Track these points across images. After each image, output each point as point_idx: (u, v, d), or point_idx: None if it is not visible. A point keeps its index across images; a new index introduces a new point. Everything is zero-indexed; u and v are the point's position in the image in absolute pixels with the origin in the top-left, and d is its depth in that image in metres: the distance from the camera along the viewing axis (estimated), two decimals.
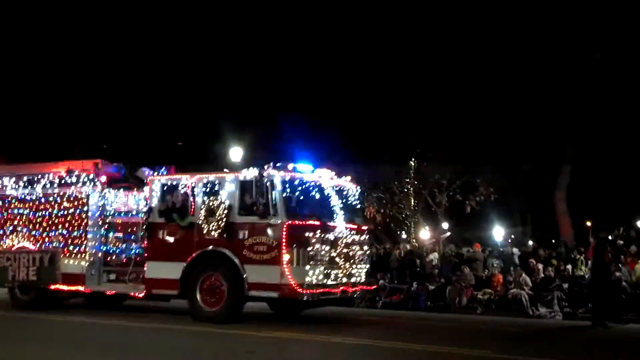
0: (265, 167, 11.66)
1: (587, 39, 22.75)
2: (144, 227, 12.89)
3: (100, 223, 13.77)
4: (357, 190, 13.07)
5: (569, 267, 17.01)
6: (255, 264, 11.51)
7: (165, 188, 12.81)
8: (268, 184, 11.56)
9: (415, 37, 24.70)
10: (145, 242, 12.87)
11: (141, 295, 12.81)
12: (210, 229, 11.95)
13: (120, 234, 13.74)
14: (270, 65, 28.53)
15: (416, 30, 24.70)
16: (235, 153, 25.34)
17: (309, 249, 11.44)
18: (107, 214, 13.78)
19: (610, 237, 16.50)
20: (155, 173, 13.22)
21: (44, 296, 14.13)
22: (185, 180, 12.58)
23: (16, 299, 14.41)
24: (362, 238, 12.80)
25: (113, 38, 29.17)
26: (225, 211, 11.85)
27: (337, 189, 12.55)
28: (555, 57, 23.22)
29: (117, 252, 13.69)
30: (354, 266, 12.44)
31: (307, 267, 11.37)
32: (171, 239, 12.47)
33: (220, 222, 11.85)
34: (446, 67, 24.41)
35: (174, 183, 12.76)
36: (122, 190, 13.84)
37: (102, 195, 13.79)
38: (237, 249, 11.69)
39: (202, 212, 12.12)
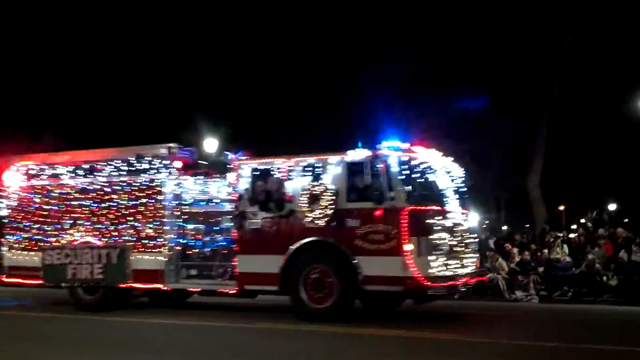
0: (379, 146, 10.45)
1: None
2: (233, 217, 11.64)
3: (177, 213, 12.50)
4: (463, 172, 11.91)
5: (545, 251, 17.00)
6: (370, 255, 10.34)
7: (256, 173, 11.58)
8: (382, 165, 10.37)
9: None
10: (235, 233, 11.63)
11: (232, 291, 11.62)
12: (314, 217, 10.75)
13: (200, 225, 12.45)
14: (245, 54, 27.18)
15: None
16: (210, 144, 24.48)
17: (432, 237, 10.29)
18: (185, 203, 12.50)
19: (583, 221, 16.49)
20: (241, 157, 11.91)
21: (112, 296, 12.88)
22: (281, 164, 11.36)
23: (79, 299, 13.13)
24: (472, 224, 11.66)
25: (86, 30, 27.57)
26: (332, 197, 10.66)
27: (448, 170, 11.39)
28: (528, 35, 22.83)
29: (197, 245, 12.41)
30: (467, 255, 11.33)
31: (431, 257, 10.22)
32: (267, 230, 11.26)
33: (326, 209, 10.66)
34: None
35: (267, 168, 11.54)
36: (200, 176, 12.51)
37: (178, 182, 12.51)
38: (347, 239, 10.52)
39: (303, 198, 10.92)
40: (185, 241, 12.48)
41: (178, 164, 12.57)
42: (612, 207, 38.90)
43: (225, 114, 26.18)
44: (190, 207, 12.49)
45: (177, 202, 12.49)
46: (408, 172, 10.46)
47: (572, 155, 28.89)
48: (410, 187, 10.51)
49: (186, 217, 12.48)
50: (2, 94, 26.91)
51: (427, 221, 10.29)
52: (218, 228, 12.21)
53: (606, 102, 23.87)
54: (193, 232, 12.50)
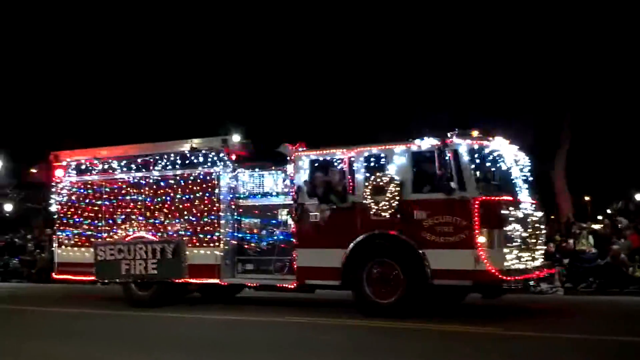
0: (449, 134, 10.02)
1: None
2: (291, 210, 11.30)
3: (233, 207, 12.21)
4: (529, 161, 11.41)
5: (570, 242, 16.47)
6: (439, 248, 9.91)
7: (315, 165, 11.23)
8: (452, 154, 9.94)
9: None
10: (294, 226, 11.30)
11: (292, 286, 11.28)
12: (378, 209, 10.36)
13: (256, 219, 12.15)
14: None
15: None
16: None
17: (506, 228, 9.82)
18: (241, 196, 12.20)
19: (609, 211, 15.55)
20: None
21: (166, 291, 12.63)
22: (341, 155, 10.99)
23: (133, 295, 12.91)
24: (540, 215, 11.16)
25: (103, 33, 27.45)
26: (397, 188, 10.25)
27: (516, 158, 10.91)
28: (554, 36, 22.10)
29: (253, 239, 12.10)
30: (537, 247, 10.84)
31: (505, 249, 9.76)
32: (328, 223, 10.90)
33: (391, 201, 10.26)
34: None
35: (327, 159, 11.19)
36: (256, 169, 12.20)
37: (234, 175, 12.23)
38: (414, 231, 10.11)
39: (366, 190, 10.53)
40: (241, 235, 12.18)
41: (233, 156, 12.28)
42: (639, 197, 37.90)
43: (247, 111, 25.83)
44: (245, 201, 12.19)
45: (232, 196, 12.21)
46: (479, 161, 10.02)
47: (598, 145, 28.07)
48: (481, 177, 10.05)
49: (242, 210, 12.19)
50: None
51: (500, 212, 9.82)
52: (275, 222, 11.89)
53: (633, 92, 22.93)
54: (249, 226, 12.21)
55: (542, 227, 11.19)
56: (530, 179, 11.20)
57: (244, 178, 12.20)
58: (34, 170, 31.01)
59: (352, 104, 24.77)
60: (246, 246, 12.11)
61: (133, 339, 9.43)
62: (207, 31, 26.24)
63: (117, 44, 27.17)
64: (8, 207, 30.20)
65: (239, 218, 12.23)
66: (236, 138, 12.43)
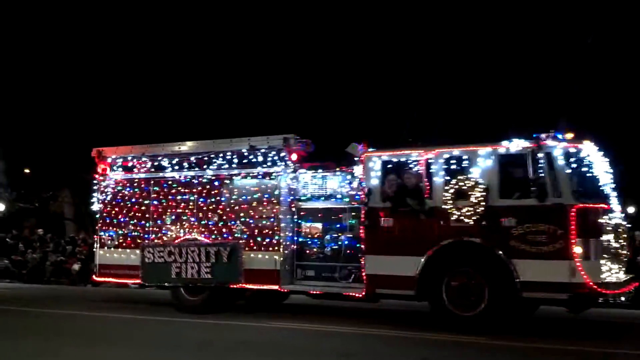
0: (543, 136, 9.36)
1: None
2: (362, 214, 10.64)
3: (293, 209, 11.54)
4: (613, 167, 10.75)
5: None
6: (530, 258, 9.24)
7: (388, 166, 10.58)
8: (546, 157, 9.29)
9: None
10: (363, 232, 10.63)
11: (360, 295, 10.61)
12: (461, 215, 9.70)
13: (317, 223, 11.47)
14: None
15: None
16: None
17: (602, 238, 9.16)
18: (302, 198, 11.54)
19: None
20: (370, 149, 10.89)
21: (218, 297, 11.96)
22: (418, 156, 10.33)
23: (182, 300, 12.24)
24: (626, 224, 10.51)
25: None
26: (482, 193, 9.59)
27: (605, 163, 10.25)
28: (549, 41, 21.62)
29: (314, 244, 11.43)
30: (624, 258, 10.18)
31: (602, 261, 9.10)
32: (402, 228, 10.24)
33: (476, 206, 9.60)
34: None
35: (401, 160, 10.53)
36: (318, 170, 11.53)
37: (295, 176, 11.57)
38: (500, 240, 9.45)
39: (446, 194, 9.87)
40: (301, 240, 11.50)
41: (294, 156, 11.62)
42: None
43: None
44: (306, 203, 11.52)
45: (292, 198, 11.54)
46: (574, 165, 9.35)
47: None
48: (575, 182, 9.38)
49: (303, 213, 11.51)
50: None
51: (598, 220, 9.17)
52: (339, 226, 11.19)
53: None
54: (309, 230, 11.52)
55: (627, 236, 10.53)
56: (615, 185, 10.54)
57: (305, 179, 11.53)
58: (27, 170, 30.48)
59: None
60: (308, 251, 11.40)
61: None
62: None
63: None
64: (0, 206, 29.56)
65: (298, 221, 11.55)
66: (296, 137, 11.74)
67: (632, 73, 21.50)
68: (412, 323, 10.73)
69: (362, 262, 10.59)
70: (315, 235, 11.45)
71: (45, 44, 26.29)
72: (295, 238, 11.49)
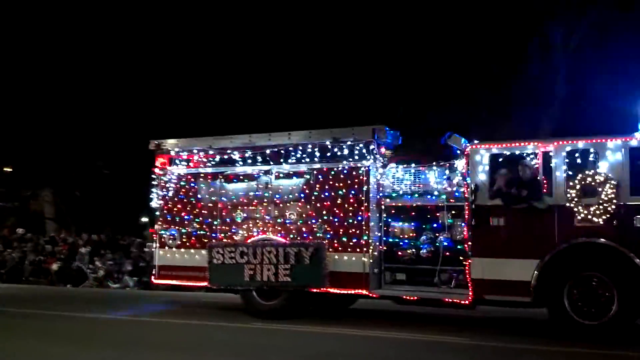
0: None
1: None
2: (465, 213, 9.71)
3: (383, 207, 10.61)
4: None
5: None
6: None
7: (498, 160, 9.65)
8: None
9: None
10: (468, 232, 9.69)
11: (465, 302, 9.66)
12: (588, 214, 8.77)
13: (410, 222, 10.53)
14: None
15: None
16: None
17: None
18: (392, 195, 10.61)
19: None
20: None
21: (295, 301, 11.00)
22: (534, 149, 9.41)
23: (254, 304, 11.25)
24: None
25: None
26: (613, 190, 8.67)
27: None
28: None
29: (405, 244, 10.48)
30: None
31: None
32: (515, 228, 9.31)
33: (606, 204, 8.68)
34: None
35: (514, 153, 9.59)
36: (411, 164, 10.61)
37: (384, 171, 10.64)
38: (634, 241, 8.52)
39: (569, 191, 8.96)
40: (391, 240, 10.56)
41: (382, 149, 10.70)
42: None
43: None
44: (397, 200, 10.58)
45: (382, 194, 10.60)
46: None
47: None
48: None
49: (393, 211, 10.58)
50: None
51: None
52: (436, 225, 10.25)
53: None
54: (400, 230, 10.58)
55: None
56: None
57: (396, 174, 10.60)
58: (7, 169, 29.68)
59: None
60: (399, 253, 10.45)
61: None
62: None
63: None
64: None
65: (387, 220, 10.61)
66: (385, 128, 10.82)
67: None
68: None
69: (467, 266, 9.64)
70: (406, 236, 10.51)
71: (26, 39, 25.32)
72: (384, 238, 10.54)
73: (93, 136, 26.21)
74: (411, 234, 10.47)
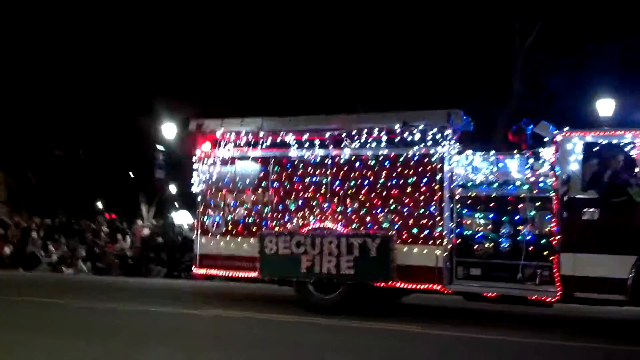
0: None
1: None
2: (554, 205, 9.07)
3: (457, 197, 9.92)
4: None
5: None
6: None
7: (593, 149, 9.01)
8: None
9: None
10: (555, 225, 9.05)
11: (552, 299, 9.05)
12: None
13: (485, 213, 9.85)
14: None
15: None
16: (168, 129, 23.30)
17: None
18: (467, 184, 9.92)
19: None
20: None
21: (356, 296, 10.28)
22: (633, 138, 8.79)
23: (310, 298, 10.49)
24: None
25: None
26: None
27: None
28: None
29: (481, 237, 9.80)
30: None
31: None
32: (611, 222, 8.70)
33: None
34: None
35: (612, 142, 8.96)
36: (490, 151, 9.92)
37: (460, 158, 9.94)
38: None
39: None
40: (466, 232, 9.88)
41: (457, 135, 10.01)
42: None
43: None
44: (472, 190, 9.89)
45: (456, 183, 9.91)
46: None
47: None
48: None
49: (470, 202, 9.88)
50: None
51: None
52: (517, 218, 9.58)
53: None
54: (475, 221, 9.90)
55: None
56: None
57: (473, 162, 9.90)
58: None
59: None
60: (475, 246, 9.77)
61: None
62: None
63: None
64: None
65: (461, 210, 9.92)
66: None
67: None
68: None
69: (554, 261, 9.01)
70: (482, 228, 9.82)
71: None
72: (459, 230, 9.85)
73: (47, 117, 25.38)
74: (488, 226, 9.78)
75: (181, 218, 25.86)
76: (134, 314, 10.23)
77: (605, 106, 18.79)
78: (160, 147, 24.15)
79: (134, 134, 25.11)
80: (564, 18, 19.89)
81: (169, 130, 23.40)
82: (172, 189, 33.05)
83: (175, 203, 34.09)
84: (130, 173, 29.36)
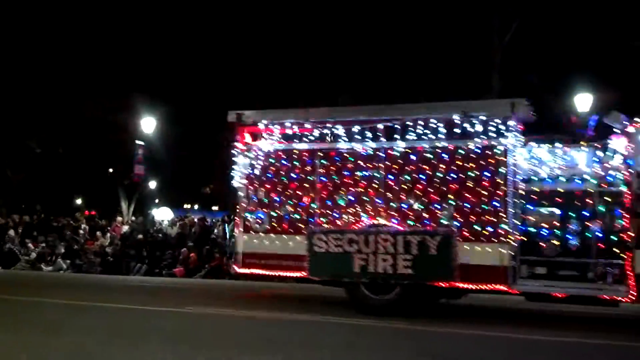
0: None
1: None
2: (625, 200, 8.60)
3: (521, 192, 9.43)
4: None
5: None
6: None
7: None
8: None
9: None
10: (627, 221, 8.59)
11: (626, 300, 8.62)
12: None
13: (551, 209, 9.36)
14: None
15: None
16: (148, 124, 23.27)
17: None
18: (532, 178, 9.43)
19: None
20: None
21: (412, 296, 9.80)
22: None
23: (363, 298, 10.01)
24: None
25: None
26: None
27: None
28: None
29: (546, 234, 9.32)
30: None
31: None
32: None
33: None
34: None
35: None
36: (556, 143, 9.43)
37: (525, 151, 9.44)
38: None
39: None
40: (530, 229, 9.39)
41: (520, 126, 9.51)
42: None
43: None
44: (537, 184, 9.41)
45: (522, 177, 9.42)
46: None
47: None
48: None
49: (535, 197, 9.40)
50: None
51: None
52: (587, 213, 9.10)
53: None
54: (540, 217, 9.41)
55: None
56: None
57: (539, 154, 9.40)
58: None
59: None
60: (541, 244, 9.29)
61: None
62: None
63: None
64: None
65: (525, 206, 9.44)
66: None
67: None
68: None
69: (628, 259, 8.55)
70: (548, 225, 9.34)
71: None
72: (524, 227, 9.37)
73: (25, 114, 24.98)
74: (553, 223, 9.30)
75: (161, 214, 25.56)
76: (114, 311, 9.98)
77: (583, 101, 18.90)
78: (139, 142, 24.01)
79: (113, 130, 24.93)
80: (543, 15, 19.74)
81: (147, 125, 23.27)
82: (152, 184, 32.84)
83: (156, 199, 33.80)
84: (110, 169, 29.05)
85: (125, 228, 20.90)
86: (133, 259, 18.73)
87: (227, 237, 18.01)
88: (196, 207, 38.53)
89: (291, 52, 21.91)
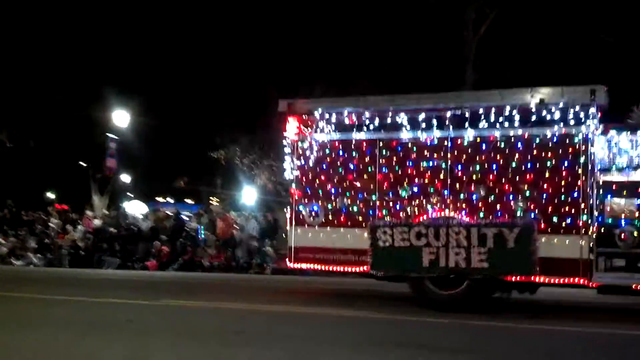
0: None
1: None
2: None
3: (601, 183, 9.05)
4: None
5: None
6: None
7: None
8: None
9: None
10: None
11: None
12: None
13: (632, 199, 9.00)
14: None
15: None
16: (120, 117, 23.32)
17: None
18: (610, 168, 9.06)
19: None
20: None
21: (480, 291, 9.37)
22: None
23: (429, 293, 9.55)
24: None
25: None
26: None
27: None
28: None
29: (627, 226, 8.95)
30: None
31: None
32: None
33: None
34: None
35: None
36: (636, 131, 9.07)
37: (605, 139, 9.07)
38: None
39: None
40: (607, 220, 9.02)
41: (600, 114, 9.14)
42: None
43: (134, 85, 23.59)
44: (617, 174, 9.04)
45: (599, 167, 9.05)
46: None
47: None
48: None
49: (615, 187, 9.02)
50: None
51: None
52: None
53: None
54: (619, 208, 9.05)
55: None
56: None
57: (620, 143, 9.04)
58: None
59: None
60: (621, 236, 8.92)
61: None
62: None
63: None
64: None
65: (604, 196, 9.07)
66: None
67: None
68: None
69: None
70: (627, 215, 8.97)
71: None
72: (603, 219, 9.00)
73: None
74: (634, 214, 8.93)
75: (134, 208, 25.06)
76: (87, 305, 9.68)
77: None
78: (111, 136, 23.65)
79: (85, 123, 24.52)
80: (517, 7, 19.53)
81: (120, 118, 22.99)
82: (125, 178, 32.27)
83: (128, 193, 33.14)
84: (82, 162, 28.49)
85: (97, 222, 20.37)
86: (106, 253, 18.59)
87: (199, 230, 18.73)
88: (170, 199, 37.75)
89: (259, 43, 21.52)
